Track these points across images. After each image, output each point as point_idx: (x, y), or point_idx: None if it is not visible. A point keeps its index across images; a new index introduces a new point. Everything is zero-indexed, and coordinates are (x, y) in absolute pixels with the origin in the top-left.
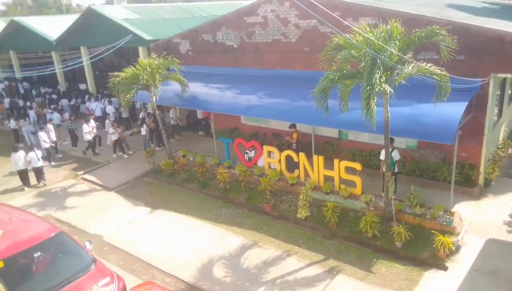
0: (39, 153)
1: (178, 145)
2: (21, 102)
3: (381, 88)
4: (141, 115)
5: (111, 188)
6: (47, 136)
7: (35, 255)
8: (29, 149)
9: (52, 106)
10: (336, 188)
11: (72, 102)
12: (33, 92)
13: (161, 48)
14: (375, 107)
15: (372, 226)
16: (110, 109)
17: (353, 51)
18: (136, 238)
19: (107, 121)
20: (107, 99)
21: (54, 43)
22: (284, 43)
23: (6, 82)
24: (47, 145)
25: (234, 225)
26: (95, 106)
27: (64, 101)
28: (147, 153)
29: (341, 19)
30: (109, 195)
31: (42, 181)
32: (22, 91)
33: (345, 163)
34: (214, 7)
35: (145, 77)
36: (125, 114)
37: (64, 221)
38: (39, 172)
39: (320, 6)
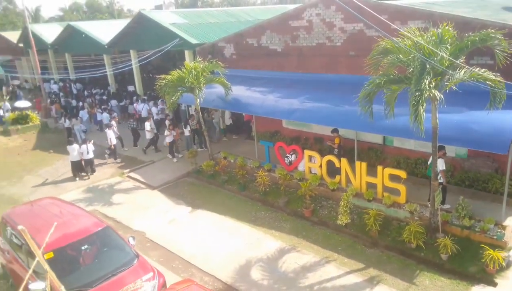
0: (90, 147)
1: (220, 147)
2: (74, 102)
3: (430, 94)
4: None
5: (154, 187)
6: (113, 134)
7: (83, 247)
8: (82, 142)
9: (102, 107)
10: (379, 195)
11: (122, 103)
12: (85, 92)
13: (206, 51)
14: (423, 113)
15: (416, 236)
16: (154, 110)
17: (401, 55)
18: (177, 236)
19: (146, 123)
20: (158, 100)
21: (106, 46)
22: (329, 47)
23: (61, 83)
24: (114, 142)
25: (272, 228)
26: (141, 107)
27: (113, 102)
28: (190, 153)
29: (389, 22)
30: (153, 193)
31: (91, 172)
32: (75, 91)
33: (389, 170)
34: (259, 11)
35: (190, 80)
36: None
37: (110, 216)
38: (89, 163)
39: (368, 9)
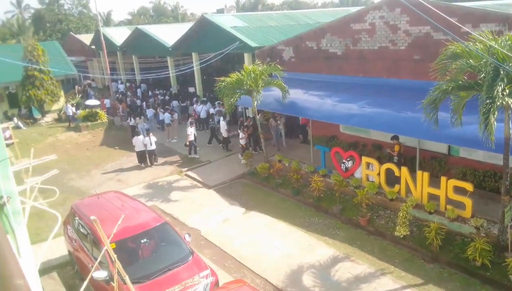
0: (152, 139)
1: (275, 150)
2: (138, 102)
3: (503, 102)
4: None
5: (210, 186)
6: (193, 131)
7: (142, 241)
8: (146, 135)
9: (166, 107)
10: (442, 208)
11: (183, 104)
12: (149, 93)
13: (265, 54)
14: (495, 123)
15: (482, 254)
16: (214, 112)
17: (471, 60)
18: (230, 236)
19: (222, 122)
20: (215, 102)
21: (170, 49)
22: (392, 50)
23: (128, 84)
24: (192, 138)
25: (326, 235)
26: (200, 108)
27: (174, 103)
28: (245, 155)
29: (459, 25)
30: (208, 192)
31: (154, 161)
32: (140, 92)
33: (454, 182)
34: (320, 14)
35: (248, 82)
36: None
37: (168, 212)
38: (152, 154)
39: (437, 11)
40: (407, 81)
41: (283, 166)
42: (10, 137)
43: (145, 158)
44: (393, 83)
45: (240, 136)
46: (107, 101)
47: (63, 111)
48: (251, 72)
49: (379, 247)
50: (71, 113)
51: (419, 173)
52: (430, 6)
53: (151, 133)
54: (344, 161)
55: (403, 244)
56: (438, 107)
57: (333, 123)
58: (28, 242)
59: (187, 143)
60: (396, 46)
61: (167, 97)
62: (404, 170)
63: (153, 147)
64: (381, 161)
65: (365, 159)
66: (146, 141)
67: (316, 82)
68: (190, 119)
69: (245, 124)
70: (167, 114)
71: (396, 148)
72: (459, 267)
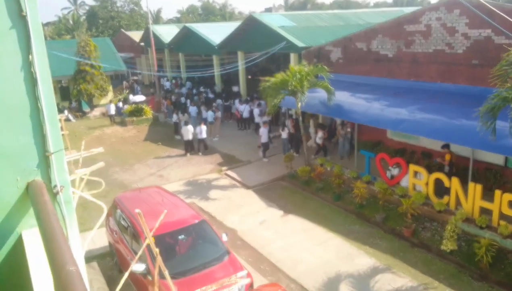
0: (203, 128)
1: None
2: (183, 100)
3: None
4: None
5: (249, 186)
6: (266, 133)
7: (180, 237)
8: (198, 122)
9: (214, 105)
10: (494, 223)
11: (227, 103)
12: (194, 91)
13: (312, 55)
14: None
15: None
16: (256, 112)
17: None
18: (267, 238)
19: (262, 129)
20: (258, 102)
21: (216, 47)
22: (448, 54)
23: (173, 80)
24: (265, 140)
25: (366, 244)
26: (243, 108)
27: (218, 101)
28: (286, 157)
29: None
30: (247, 192)
31: (204, 149)
32: (185, 90)
33: (509, 196)
34: (372, 14)
35: (293, 83)
36: (267, 117)
37: (206, 210)
38: (202, 142)
39: (500, 13)
40: (463, 87)
41: (325, 170)
42: (61, 129)
43: (192, 147)
44: (447, 88)
45: (319, 136)
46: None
47: (106, 110)
48: (297, 73)
49: (423, 261)
50: (113, 113)
51: (471, 184)
52: (492, 8)
53: (202, 123)
54: (390, 168)
55: (450, 259)
56: (497, 116)
57: (380, 128)
58: (77, 231)
59: (259, 145)
60: (453, 50)
61: (211, 96)
62: (455, 180)
63: (204, 135)
64: (430, 170)
65: (412, 167)
66: (198, 130)
67: (364, 85)
68: (263, 118)
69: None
70: (210, 113)
71: (447, 157)
72: (510, 287)
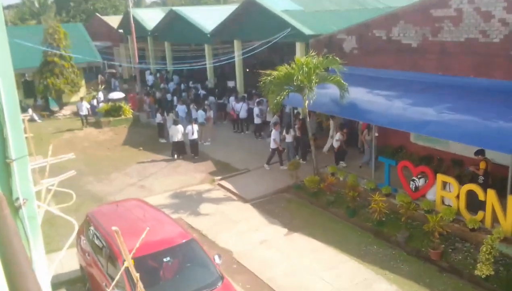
0: (195, 127)
1: (327, 160)
2: (169, 97)
3: None
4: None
5: (247, 199)
6: (278, 136)
7: (165, 259)
8: (188, 122)
9: (206, 102)
10: None
11: (220, 100)
12: (182, 86)
13: (321, 44)
14: None
15: None
16: (256, 111)
17: None
18: (268, 261)
19: (274, 131)
20: (257, 100)
21: (208, 35)
22: (483, 44)
23: (158, 74)
24: (273, 146)
25: (386, 268)
26: (239, 106)
27: (211, 99)
28: (291, 165)
29: None
30: (244, 206)
31: (195, 156)
32: (172, 85)
33: None
34: None
35: (300, 77)
36: (269, 118)
37: (195, 227)
38: (193, 144)
39: None
40: (501, 82)
41: (337, 180)
42: (25, 132)
43: (182, 149)
44: (481, 84)
45: (336, 138)
46: None
47: (77, 108)
48: (304, 66)
49: (453, 288)
50: (85, 113)
51: (510, 197)
52: None
53: (194, 122)
54: (414, 178)
55: (485, 286)
56: None
57: (402, 131)
58: (43, 252)
59: (280, 148)
60: (488, 38)
61: (202, 92)
62: (491, 193)
63: (195, 136)
64: (461, 181)
65: (441, 177)
66: (189, 130)
67: (383, 80)
68: (273, 118)
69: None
70: (200, 112)
71: (482, 165)
72: None
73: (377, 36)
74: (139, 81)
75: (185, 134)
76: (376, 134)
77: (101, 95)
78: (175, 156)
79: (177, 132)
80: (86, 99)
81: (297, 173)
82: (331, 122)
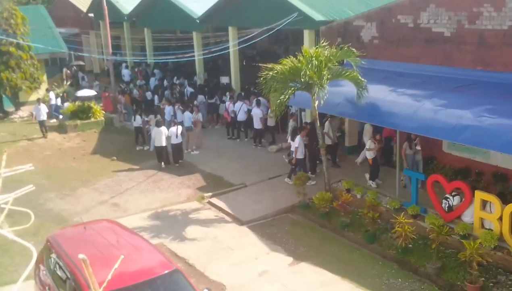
0: (179, 129)
1: (340, 173)
2: (149, 95)
3: None
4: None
5: (243, 221)
6: (299, 141)
7: None
8: (168, 124)
9: (195, 103)
10: None
11: (212, 100)
12: (165, 82)
13: (334, 33)
14: None
15: None
16: (257, 113)
17: None
18: None
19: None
20: (257, 99)
21: (198, 21)
22: None
23: (136, 68)
24: (300, 155)
25: None
26: (238, 107)
27: (200, 98)
28: (297, 179)
29: None
30: (240, 230)
31: (180, 160)
32: (153, 81)
33: None
34: None
35: (308, 73)
36: (271, 122)
37: (180, 256)
38: (177, 149)
39: None
40: None
41: (353, 198)
42: None
43: (165, 157)
44: None
45: (368, 146)
46: None
47: (33, 113)
48: (313, 58)
49: None
50: (44, 118)
51: None
52: None
53: (176, 123)
54: (447, 195)
55: None
56: None
57: (433, 138)
58: None
59: (293, 161)
60: None
61: (189, 90)
62: None
63: (179, 139)
64: (504, 199)
65: (480, 194)
66: (171, 132)
67: (409, 76)
68: (290, 122)
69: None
70: (187, 114)
71: None
72: None
73: (402, 23)
74: (113, 77)
75: (167, 137)
76: (418, 147)
77: (52, 96)
78: (163, 164)
79: (161, 136)
80: (45, 99)
81: (305, 189)
82: (367, 127)
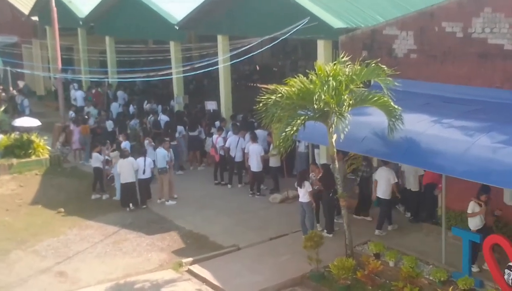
0: (148, 162)
1: (365, 231)
2: (110, 125)
3: None
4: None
5: None
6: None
7: None
8: (138, 154)
9: (177, 135)
10: None
11: (194, 132)
12: (132, 108)
13: (358, 44)
14: None
15: None
16: (255, 150)
17: None
18: None
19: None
20: (254, 132)
21: (177, 27)
22: None
23: (93, 90)
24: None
25: None
26: (233, 141)
27: (179, 129)
28: (309, 239)
29: None
30: None
31: (146, 199)
32: (115, 107)
33: None
34: None
35: (323, 97)
36: (273, 163)
37: None
38: (144, 186)
39: None
40: None
41: (384, 265)
42: None
43: (133, 197)
44: None
45: (470, 211)
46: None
47: None
48: (330, 78)
49: None
50: None
51: None
52: None
53: (145, 154)
54: (511, 263)
55: None
56: None
57: (492, 186)
58: None
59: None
60: None
61: (163, 118)
62: None
63: (148, 174)
64: None
65: None
66: (139, 164)
67: (458, 102)
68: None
69: (312, 176)
70: (161, 151)
71: None
72: None
73: (448, 32)
74: (63, 100)
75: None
76: (499, 212)
77: None
78: (131, 205)
79: (128, 169)
80: None
81: (319, 252)
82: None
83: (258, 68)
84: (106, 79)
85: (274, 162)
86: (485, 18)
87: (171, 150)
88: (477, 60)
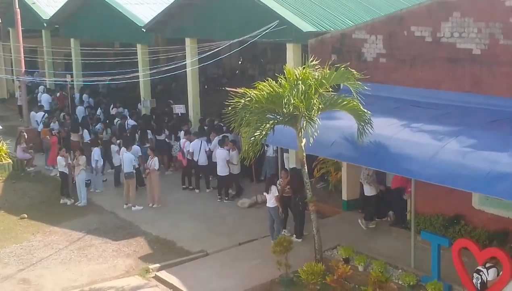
0: (127, 157)
1: (336, 236)
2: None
3: None
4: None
5: None
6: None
7: None
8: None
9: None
10: None
11: (161, 136)
12: (98, 112)
13: (328, 48)
14: None
15: None
16: (221, 154)
17: None
18: None
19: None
20: (222, 136)
21: (144, 30)
22: None
23: (58, 93)
24: None
25: None
26: (196, 146)
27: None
28: (277, 244)
29: None
30: None
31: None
32: (81, 111)
33: None
34: None
35: (293, 101)
36: (234, 169)
37: None
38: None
39: None
40: None
41: (353, 270)
42: None
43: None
44: None
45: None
46: None
47: None
48: (299, 82)
49: None
50: None
51: None
52: None
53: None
54: (479, 267)
55: None
56: None
57: (460, 189)
58: None
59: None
60: None
61: (130, 123)
62: None
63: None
64: None
65: None
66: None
67: (427, 106)
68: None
69: (279, 181)
70: (127, 155)
71: None
72: None
73: (416, 36)
74: (26, 104)
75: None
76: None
77: None
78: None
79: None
80: None
81: (288, 257)
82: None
83: (224, 72)
84: (71, 82)
85: (235, 169)
86: (453, 23)
87: (155, 157)
88: (446, 64)
